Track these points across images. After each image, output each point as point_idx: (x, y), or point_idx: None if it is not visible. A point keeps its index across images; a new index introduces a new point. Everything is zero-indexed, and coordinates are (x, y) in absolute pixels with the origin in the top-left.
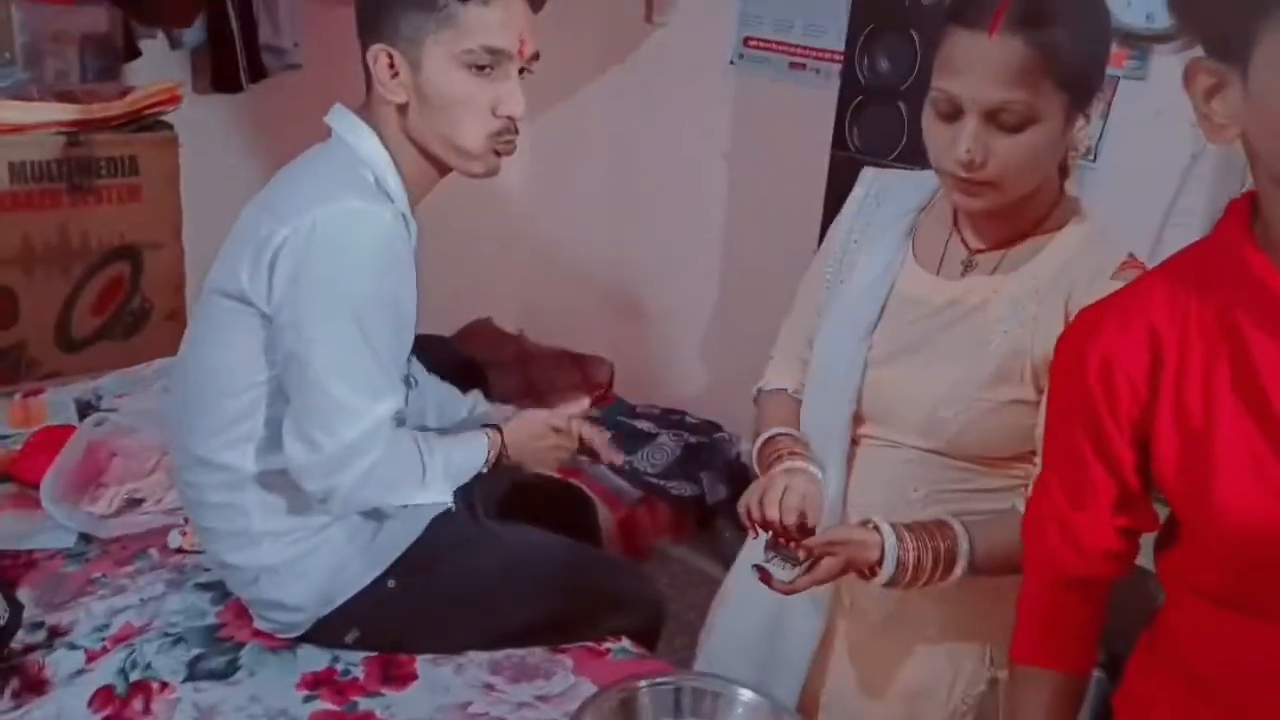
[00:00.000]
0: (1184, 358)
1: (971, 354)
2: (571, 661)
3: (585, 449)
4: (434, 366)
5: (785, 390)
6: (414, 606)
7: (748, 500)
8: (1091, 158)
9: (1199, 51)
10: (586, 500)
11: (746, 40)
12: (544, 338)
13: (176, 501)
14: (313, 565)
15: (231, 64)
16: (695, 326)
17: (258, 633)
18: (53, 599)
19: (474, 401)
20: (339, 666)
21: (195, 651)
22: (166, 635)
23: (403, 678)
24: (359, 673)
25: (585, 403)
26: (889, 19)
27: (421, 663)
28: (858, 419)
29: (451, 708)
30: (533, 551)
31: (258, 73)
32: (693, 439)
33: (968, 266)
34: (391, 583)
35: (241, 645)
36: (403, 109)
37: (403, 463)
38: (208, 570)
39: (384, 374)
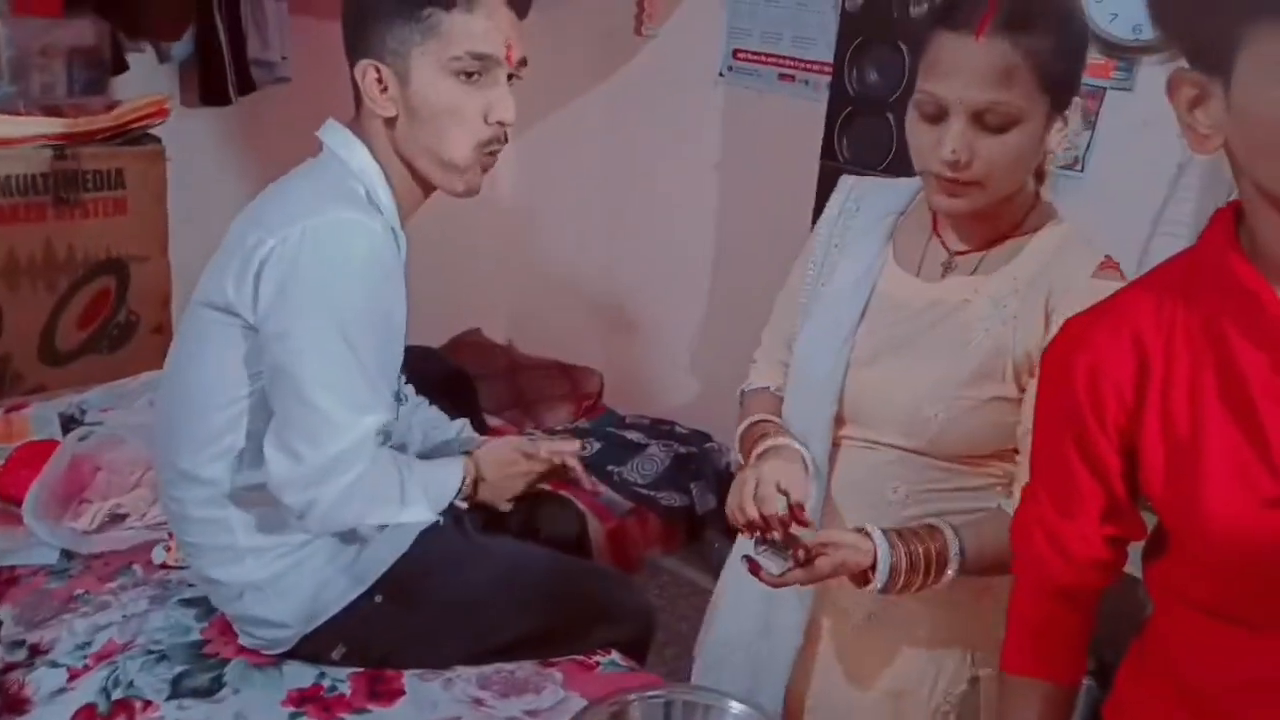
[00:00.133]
0: (1170, 366)
1: (953, 353)
2: (561, 675)
3: (560, 473)
4: (423, 378)
5: (768, 389)
6: (401, 621)
7: (730, 507)
8: (1079, 168)
9: (1184, 62)
10: (576, 511)
11: (735, 52)
12: (533, 348)
13: (161, 516)
14: (298, 581)
15: (220, 77)
16: (685, 337)
17: (243, 649)
18: (34, 616)
19: (460, 428)
20: (325, 683)
21: (179, 669)
22: (150, 652)
23: (390, 693)
24: (345, 689)
25: (576, 444)
26: (878, 31)
27: (409, 678)
28: (839, 420)
29: None
30: (521, 564)
31: (246, 86)
32: (682, 449)
33: (948, 268)
34: (378, 598)
35: (226, 662)
36: (391, 123)
37: (384, 481)
38: (192, 586)
39: (371, 387)
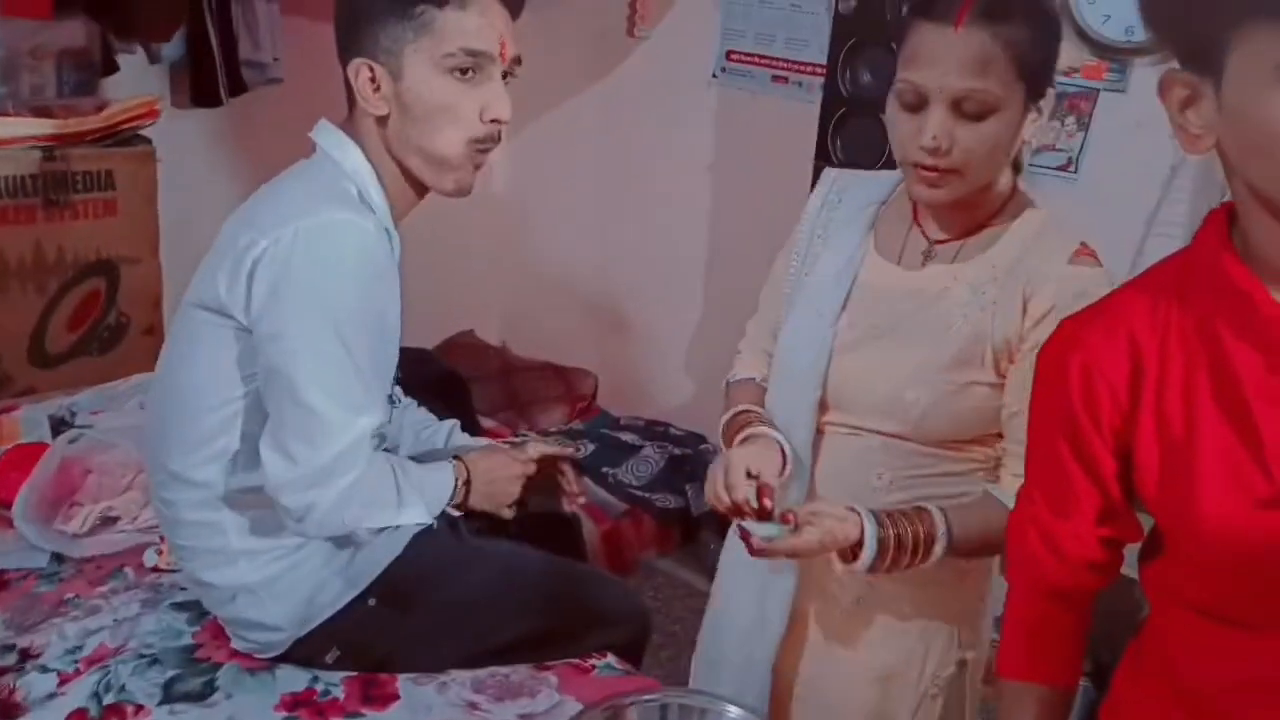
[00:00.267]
0: (1164, 367)
1: (934, 338)
2: (556, 679)
3: (552, 477)
4: (416, 380)
5: (753, 379)
6: (395, 625)
7: (705, 494)
8: (1073, 169)
9: (1176, 63)
10: (570, 513)
11: (729, 54)
12: (527, 350)
13: (152, 519)
14: (291, 584)
15: (211, 78)
16: (679, 338)
17: (235, 653)
18: (24, 620)
19: (450, 429)
20: (319, 687)
21: (171, 673)
22: (141, 656)
23: (384, 698)
24: (339, 693)
25: (569, 449)
26: (871, 32)
27: (403, 682)
28: (822, 406)
29: None
30: (516, 567)
31: (237, 87)
32: (677, 451)
33: (928, 256)
34: (372, 601)
35: (219, 666)
36: (383, 122)
37: (381, 483)
38: (184, 589)
39: (366, 388)
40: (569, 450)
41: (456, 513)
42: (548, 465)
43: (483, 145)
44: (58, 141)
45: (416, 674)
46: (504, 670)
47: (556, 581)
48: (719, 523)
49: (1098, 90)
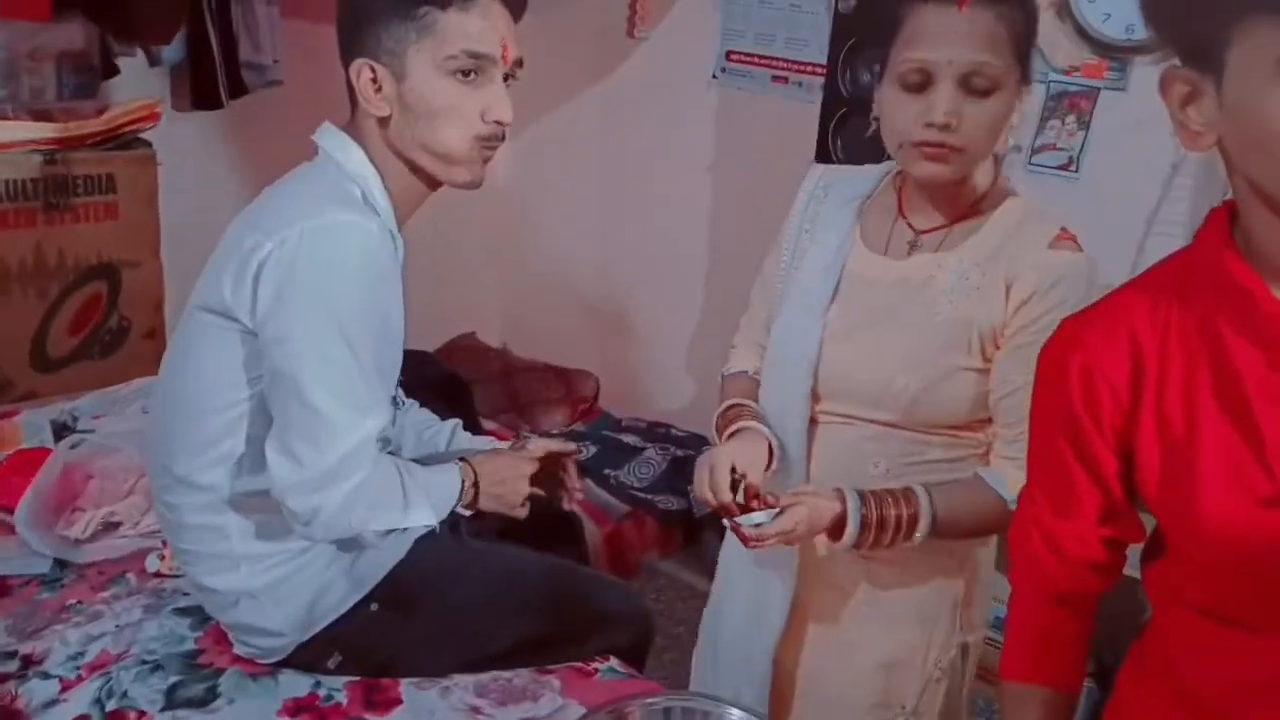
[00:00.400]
0: (1165, 366)
1: (921, 325)
2: (559, 683)
3: (555, 476)
4: (418, 382)
5: (746, 372)
6: (398, 629)
7: (695, 492)
8: (1074, 168)
9: (1177, 61)
10: (572, 515)
11: (729, 54)
12: (528, 352)
13: (155, 524)
14: (294, 589)
15: (211, 81)
16: (680, 339)
17: (237, 659)
18: (26, 627)
19: (453, 429)
20: (321, 692)
21: (173, 679)
22: (144, 662)
23: (386, 702)
24: (341, 698)
25: (572, 446)
26: (871, 32)
27: (405, 686)
28: (815, 396)
29: None
30: (518, 570)
31: (238, 89)
32: (679, 452)
33: (913, 246)
34: (374, 605)
35: (221, 672)
36: (385, 122)
37: (387, 485)
38: (186, 595)
39: (371, 390)
40: (571, 447)
41: (467, 512)
42: (549, 463)
43: (487, 143)
44: (58, 145)
45: (419, 678)
46: (506, 674)
47: (558, 584)
48: (721, 524)
49: (1098, 89)
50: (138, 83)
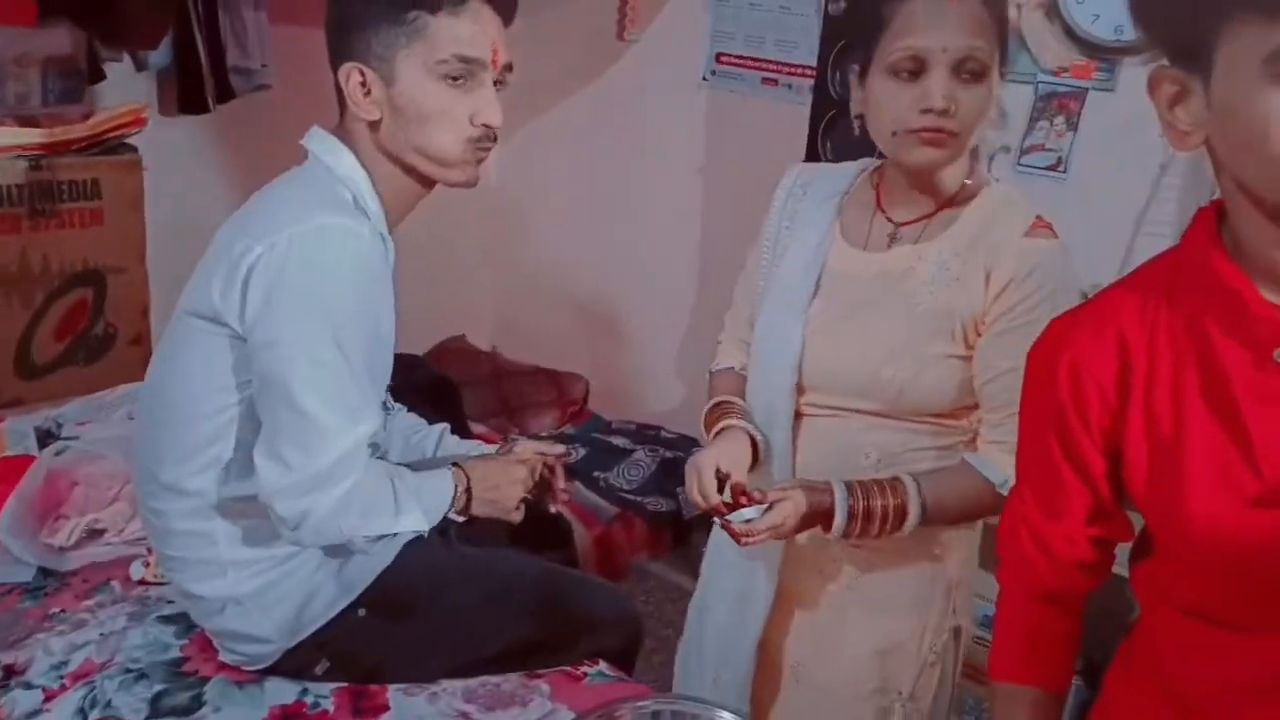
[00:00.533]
0: (1153, 366)
1: (904, 315)
2: (548, 687)
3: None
4: (408, 385)
5: (732, 368)
6: (385, 634)
7: (689, 498)
8: (1062, 169)
9: (1165, 62)
10: (560, 518)
11: (719, 56)
12: (518, 354)
13: (139, 531)
14: (281, 595)
15: (198, 86)
16: (670, 341)
17: (223, 666)
18: (8, 636)
19: (440, 434)
20: (308, 699)
21: (158, 687)
22: (128, 671)
23: (374, 709)
24: (329, 705)
25: (560, 448)
26: (860, 34)
27: (394, 693)
28: (800, 390)
29: None
30: (507, 574)
31: (225, 94)
32: (669, 454)
33: (893, 239)
34: (362, 611)
35: (206, 679)
36: (375, 125)
37: (378, 491)
38: (171, 602)
39: (362, 394)
40: (559, 449)
41: (460, 518)
42: (537, 464)
43: (480, 144)
44: (44, 150)
45: (407, 684)
46: (495, 679)
47: (546, 588)
48: (710, 525)
49: (1087, 90)
50: (124, 88)
